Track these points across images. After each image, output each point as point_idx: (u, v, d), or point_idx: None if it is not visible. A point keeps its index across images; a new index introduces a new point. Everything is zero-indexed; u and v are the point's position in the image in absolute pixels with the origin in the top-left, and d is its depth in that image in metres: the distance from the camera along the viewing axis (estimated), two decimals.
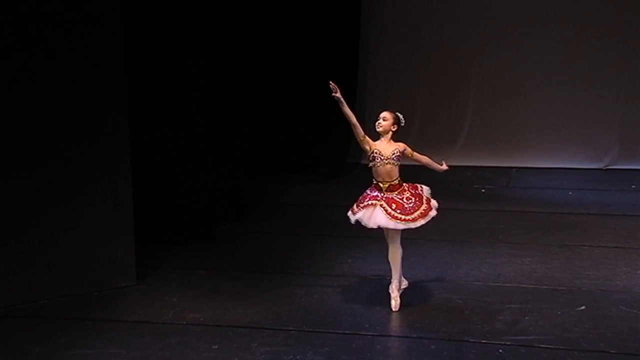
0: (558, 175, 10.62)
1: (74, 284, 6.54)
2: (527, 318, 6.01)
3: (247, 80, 10.12)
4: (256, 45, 10.31)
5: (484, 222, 8.49)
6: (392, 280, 6.23)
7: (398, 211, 6.01)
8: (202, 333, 5.85)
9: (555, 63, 11.11)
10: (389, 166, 6.08)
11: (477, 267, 7.13)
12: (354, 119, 6.10)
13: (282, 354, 5.49)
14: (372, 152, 6.11)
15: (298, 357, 5.46)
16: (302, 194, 9.82)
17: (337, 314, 6.15)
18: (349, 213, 6.19)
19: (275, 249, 7.78)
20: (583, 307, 6.20)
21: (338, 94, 6.05)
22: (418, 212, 6.03)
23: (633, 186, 10.01)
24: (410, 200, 6.06)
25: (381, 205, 6.03)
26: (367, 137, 6.14)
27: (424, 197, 6.13)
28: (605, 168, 10.97)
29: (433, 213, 6.09)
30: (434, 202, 6.16)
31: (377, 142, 6.13)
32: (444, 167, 6.36)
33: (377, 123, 6.14)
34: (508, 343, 5.59)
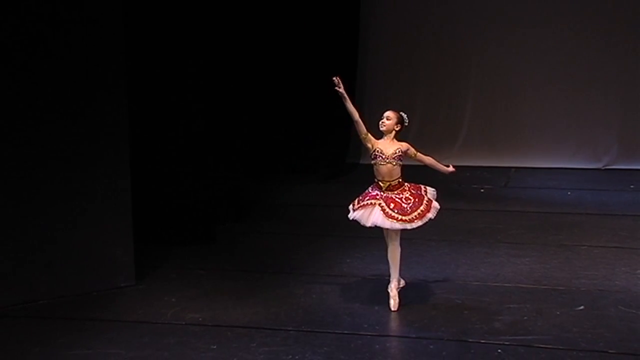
0: (557, 175, 10.62)
1: (73, 284, 6.55)
2: (526, 318, 6.01)
3: (246, 80, 10.13)
4: (256, 46, 10.32)
5: (483, 222, 8.50)
6: (390, 279, 6.24)
7: (395, 211, 6.01)
8: (201, 333, 5.86)
9: (554, 63, 11.11)
10: (389, 165, 6.09)
11: (476, 267, 7.13)
12: (356, 116, 6.11)
13: (281, 354, 5.49)
14: (374, 151, 6.12)
15: (297, 357, 5.46)
16: (302, 194, 9.83)
17: (336, 314, 6.16)
18: (350, 206, 6.22)
19: (275, 249, 7.79)
20: (582, 307, 6.20)
21: (342, 89, 6.07)
22: (416, 213, 6.03)
23: (632, 186, 10.02)
24: (409, 201, 6.06)
25: (379, 205, 6.04)
26: (369, 134, 6.15)
27: (425, 199, 6.12)
28: (604, 168, 10.98)
29: (431, 215, 6.09)
30: (435, 204, 6.14)
31: (379, 141, 6.14)
32: (450, 169, 6.34)
33: (380, 122, 6.14)
34: (507, 343, 5.59)
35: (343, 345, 5.63)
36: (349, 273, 7.04)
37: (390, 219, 6.00)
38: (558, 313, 6.09)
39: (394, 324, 6.07)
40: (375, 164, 6.14)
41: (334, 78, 6.05)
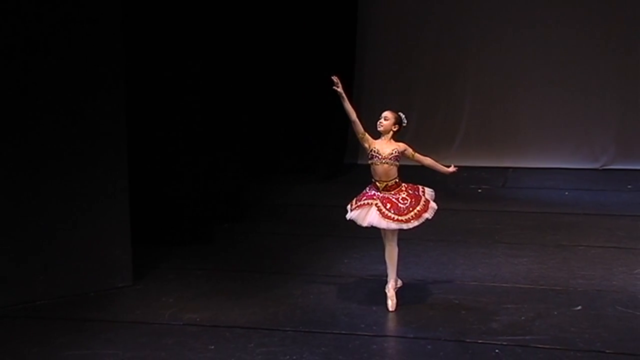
0: (554, 175, 10.64)
1: (71, 284, 6.54)
2: (523, 318, 6.02)
3: (245, 81, 10.11)
4: (254, 46, 10.31)
5: (481, 223, 8.51)
6: (388, 280, 6.24)
7: (392, 211, 6.02)
8: (199, 333, 5.85)
9: (551, 64, 11.13)
10: (386, 166, 6.08)
11: (474, 267, 7.14)
12: (354, 116, 6.12)
13: (279, 354, 5.49)
14: (371, 151, 6.12)
15: (295, 357, 5.46)
16: (300, 195, 9.83)
17: (334, 314, 6.16)
18: (348, 207, 6.22)
19: (272, 250, 7.79)
20: (579, 307, 6.21)
21: (340, 88, 6.07)
22: (412, 214, 6.03)
23: (629, 186, 10.03)
24: (405, 201, 6.06)
25: (376, 205, 6.05)
26: (367, 134, 6.15)
27: (423, 199, 6.12)
28: (601, 168, 10.99)
29: (427, 215, 6.08)
30: (432, 205, 6.14)
31: (376, 141, 6.14)
32: (451, 169, 6.31)
33: (378, 122, 6.14)
34: (504, 343, 5.60)
35: (341, 345, 5.63)
36: (347, 273, 7.04)
37: (386, 219, 6.01)
38: (556, 313, 6.09)
39: (391, 324, 6.07)
40: (372, 164, 6.14)
41: (333, 77, 6.05)
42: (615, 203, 9.27)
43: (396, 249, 6.19)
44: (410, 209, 6.04)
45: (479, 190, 9.97)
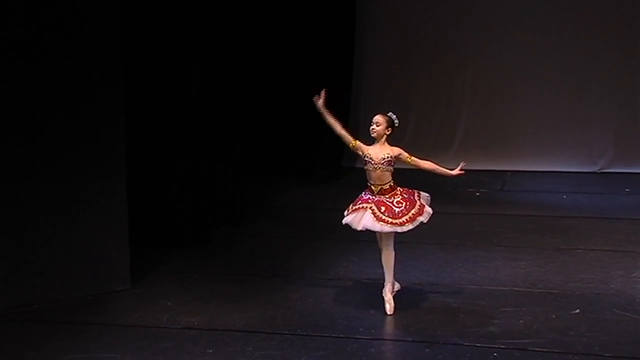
0: (552, 178, 10.64)
1: (68, 287, 6.53)
2: (521, 321, 6.01)
3: (243, 83, 10.12)
4: (253, 49, 10.31)
5: (479, 226, 8.51)
6: (385, 283, 6.23)
7: (386, 214, 6.02)
8: (197, 337, 5.85)
9: (549, 67, 11.14)
10: (379, 171, 6.09)
11: (472, 270, 7.14)
12: (338, 128, 6.13)
13: (277, 358, 5.49)
14: (364, 157, 6.13)
15: None
16: (297, 198, 9.83)
17: (332, 317, 6.16)
18: (345, 211, 6.23)
19: (271, 253, 7.79)
20: (577, 311, 6.21)
21: (319, 102, 6.09)
22: (406, 217, 6.03)
23: (627, 189, 10.03)
24: (400, 205, 6.06)
25: (370, 209, 6.05)
26: (357, 142, 6.15)
27: (418, 203, 6.11)
28: (599, 171, 11.00)
29: (422, 219, 6.07)
30: (427, 209, 6.13)
31: (370, 147, 6.14)
32: (456, 171, 6.17)
33: (370, 129, 6.13)
34: (503, 346, 5.59)
35: (339, 349, 5.62)
36: (345, 277, 7.04)
37: (380, 222, 6.01)
38: (554, 316, 6.09)
39: (389, 327, 6.07)
40: (366, 169, 6.15)
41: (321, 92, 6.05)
42: (614, 206, 9.28)
43: (393, 253, 6.19)
44: (405, 212, 6.04)
45: (477, 194, 9.97)
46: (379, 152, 6.09)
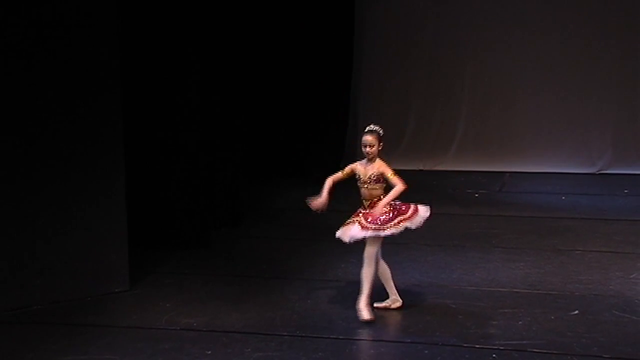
0: (551, 179, 10.65)
1: (67, 289, 6.53)
2: (520, 323, 6.02)
3: (242, 85, 10.13)
4: (252, 50, 10.32)
5: (478, 227, 8.51)
6: (361, 295, 6.13)
7: (371, 223, 6.04)
8: (196, 338, 5.85)
9: (548, 68, 11.15)
10: (365, 189, 6.12)
11: (471, 271, 7.14)
12: (329, 185, 6.21)
13: (276, 359, 5.49)
14: (356, 175, 6.16)
15: None
16: (296, 199, 9.79)
17: (331, 319, 6.16)
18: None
19: (269, 254, 7.79)
20: (576, 312, 6.21)
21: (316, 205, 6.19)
22: (390, 223, 6.03)
23: (626, 191, 10.04)
24: (385, 214, 6.06)
25: (358, 222, 6.09)
26: (346, 168, 6.21)
27: (409, 212, 6.05)
28: (598, 173, 11.00)
29: (408, 224, 6.04)
30: (419, 218, 6.06)
31: (359, 163, 6.17)
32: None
33: (364, 150, 6.12)
34: (501, 348, 5.59)
35: (338, 350, 5.62)
36: (343, 278, 7.03)
37: (364, 229, 6.04)
38: (552, 318, 6.09)
39: (388, 329, 6.07)
40: (358, 185, 6.18)
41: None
42: (612, 208, 9.28)
43: (372, 268, 6.12)
44: (390, 221, 6.03)
45: (476, 195, 9.97)
46: (368, 170, 6.11)
